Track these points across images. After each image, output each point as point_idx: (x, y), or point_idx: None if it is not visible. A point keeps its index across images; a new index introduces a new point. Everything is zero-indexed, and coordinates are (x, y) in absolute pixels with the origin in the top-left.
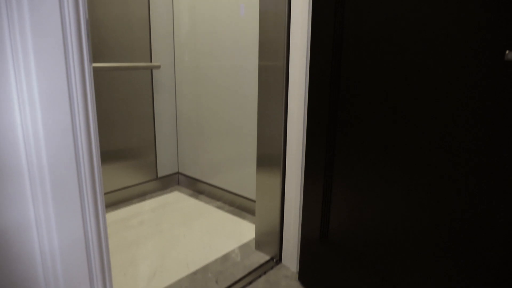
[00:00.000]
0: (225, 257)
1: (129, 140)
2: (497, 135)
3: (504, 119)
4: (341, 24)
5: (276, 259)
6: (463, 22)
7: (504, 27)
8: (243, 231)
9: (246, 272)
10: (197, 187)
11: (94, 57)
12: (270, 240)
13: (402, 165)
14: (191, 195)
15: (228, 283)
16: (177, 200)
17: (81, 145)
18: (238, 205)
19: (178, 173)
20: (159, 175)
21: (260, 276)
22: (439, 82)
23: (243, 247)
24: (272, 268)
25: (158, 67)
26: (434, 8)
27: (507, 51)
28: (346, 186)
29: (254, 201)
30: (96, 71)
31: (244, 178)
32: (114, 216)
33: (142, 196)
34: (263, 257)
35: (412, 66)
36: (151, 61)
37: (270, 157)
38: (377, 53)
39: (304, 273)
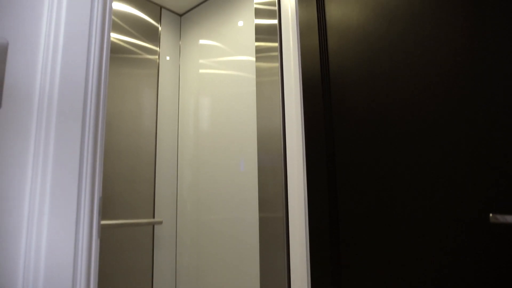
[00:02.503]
0: None
1: None
2: None
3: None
4: (334, 180)
5: None
6: (450, 185)
7: (488, 190)
8: None
9: None
10: None
11: None
12: None
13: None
14: None
15: None
16: None
17: None
18: None
19: None
20: None
21: None
22: (423, 247)
23: None
24: None
25: (160, 222)
26: (420, 167)
27: (490, 214)
28: None
29: None
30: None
31: None
32: None
33: None
34: None
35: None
36: (153, 216)
37: None
38: (376, 208)
39: None
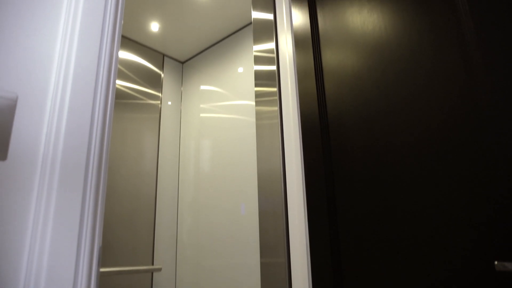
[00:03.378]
0: None
1: None
2: None
3: None
4: (335, 224)
5: None
6: (452, 230)
7: (493, 236)
8: None
9: None
10: None
11: None
12: None
13: None
14: None
15: None
16: None
17: None
18: None
19: None
20: None
21: None
22: None
23: None
24: None
25: (159, 269)
26: (421, 211)
27: (496, 262)
28: None
29: None
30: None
31: None
32: None
33: None
34: None
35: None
36: (153, 261)
37: None
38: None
39: None
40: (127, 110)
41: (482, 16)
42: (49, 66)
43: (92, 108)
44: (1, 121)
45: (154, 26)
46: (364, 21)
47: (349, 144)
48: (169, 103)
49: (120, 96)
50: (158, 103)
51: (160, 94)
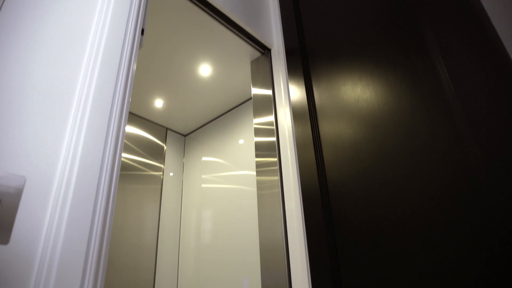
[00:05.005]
0: None
1: None
2: None
3: None
4: None
5: None
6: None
7: None
8: None
9: None
10: None
11: None
12: None
13: None
14: None
15: None
16: None
17: None
18: None
19: None
20: None
21: None
22: None
23: None
24: None
25: None
26: (423, 283)
27: None
28: None
29: None
30: None
31: None
32: None
33: None
34: None
35: None
36: None
37: None
38: None
39: None
40: (129, 181)
41: (467, 96)
42: (58, 148)
43: (95, 199)
44: (8, 203)
45: (158, 103)
46: (358, 98)
47: (350, 214)
48: (171, 174)
49: (123, 167)
50: (160, 174)
51: (162, 166)
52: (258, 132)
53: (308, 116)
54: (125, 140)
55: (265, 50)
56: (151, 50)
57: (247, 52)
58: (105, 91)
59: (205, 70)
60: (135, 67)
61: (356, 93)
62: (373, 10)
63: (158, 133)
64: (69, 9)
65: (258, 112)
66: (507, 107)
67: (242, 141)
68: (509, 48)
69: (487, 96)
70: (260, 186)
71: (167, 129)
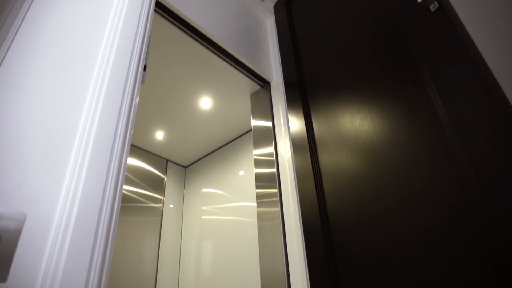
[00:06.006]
0: None
1: None
2: None
3: None
4: None
5: None
6: None
7: None
8: None
9: None
10: None
11: None
12: None
13: None
14: None
15: None
16: None
17: None
18: None
19: None
20: None
21: None
22: None
23: None
24: None
25: None
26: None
27: None
28: None
29: None
30: None
31: None
32: None
33: None
34: None
35: None
36: None
37: None
38: None
39: None
40: (129, 213)
41: (464, 129)
42: (58, 186)
43: (94, 236)
44: (7, 240)
45: (159, 135)
46: (356, 130)
47: (352, 245)
48: (171, 206)
49: (123, 199)
50: (160, 206)
51: (162, 197)
52: (258, 163)
53: (308, 147)
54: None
55: (264, 83)
56: (152, 82)
57: (247, 85)
58: (107, 128)
59: (205, 102)
60: (138, 102)
61: (354, 125)
62: (367, 41)
63: (158, 165)
64: (74, 47)
65: (258, 143)
66: (504, 141)
67: (243, 173)
68: (498, 77)
69: (483, 129)
70: (260, 217)
71: (167, 160)
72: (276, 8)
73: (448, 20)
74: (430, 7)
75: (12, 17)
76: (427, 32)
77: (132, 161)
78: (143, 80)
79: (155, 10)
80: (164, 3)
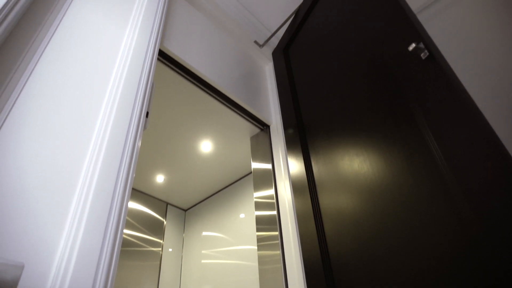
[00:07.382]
0: None
1: None
2: None
3: None
4: None
5: None
6: None
7: None
8: None
9: None
10: None
11: None
12: None
13: None
14: None
15: None
16: None
17: None
18: None
19: None
20: None
21: None
22: None
23: None
24: None
25: None
26: None
27: None
28: None
29: None
30: None
31: None
32: None
33: None
34: None
35: None
36: None
37: None
38: None
39: None
40: (128, 257)
41: (460, 170)
42: (58, 232)
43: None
44: None
45: (160, 178)
46: (356, 172)
47: (354, 284)
48: (170, 249)
49: (122, 243)
50: (159, 250)
51: (161, 241)
52: (258, 206)
53: (308, 189)
54: None
55: (264, 127)
56: (153, 126)
57: (247, 128)
58: (109, 175)
59: (206, 146)
60: (139, 147)
61: (354, 168)
62: (363, 85)
63: (158, 208)
64: (81, 95)
65: (258, 186)
66: (497, 179)
67: (243, 215)
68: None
69: (477, 169)
70: (261, 260)
71: (167, 204)
72: (274, 54)
73: (438, 67)
74: (421, 55)
75: (19, 73)
76: (419, 79)
77: (132, 205)
78: (145, 126)
79: (158, 59)
80: (167, 52)
